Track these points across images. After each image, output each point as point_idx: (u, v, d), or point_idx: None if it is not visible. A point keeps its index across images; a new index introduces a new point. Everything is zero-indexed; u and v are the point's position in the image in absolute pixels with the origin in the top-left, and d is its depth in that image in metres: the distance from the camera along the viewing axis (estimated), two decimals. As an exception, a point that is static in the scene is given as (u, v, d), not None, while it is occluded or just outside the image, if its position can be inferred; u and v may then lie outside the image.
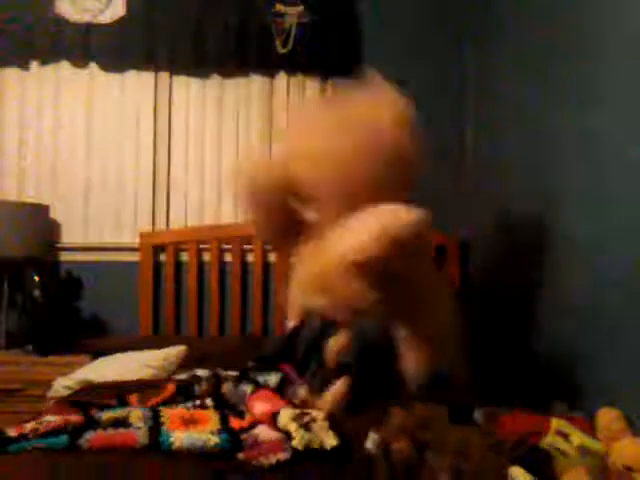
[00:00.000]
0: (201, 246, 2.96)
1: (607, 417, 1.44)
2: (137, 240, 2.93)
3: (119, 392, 1.79)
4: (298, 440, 1.35)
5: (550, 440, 1.27)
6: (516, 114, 2.43)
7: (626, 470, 1.22)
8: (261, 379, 1.80)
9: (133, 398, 1.73)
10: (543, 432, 1.29)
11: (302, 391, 1.71)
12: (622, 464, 1.23)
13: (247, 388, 1.71)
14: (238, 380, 1.79)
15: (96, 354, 2.43)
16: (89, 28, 2.86)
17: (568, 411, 1.67)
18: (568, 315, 1.91)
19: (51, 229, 2.91)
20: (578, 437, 1.26)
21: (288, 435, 1.39)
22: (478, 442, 1.19)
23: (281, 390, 1.76)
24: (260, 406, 1.57)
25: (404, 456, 1.16)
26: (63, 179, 2.97)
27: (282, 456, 1.30)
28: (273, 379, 1.80)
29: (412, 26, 3.09)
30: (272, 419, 1.47)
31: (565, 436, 1.27)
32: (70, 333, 2.61)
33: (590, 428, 1.42)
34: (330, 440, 1.37)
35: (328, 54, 2.97)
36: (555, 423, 1.34)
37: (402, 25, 3.08)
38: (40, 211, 2.79)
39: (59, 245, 2.94)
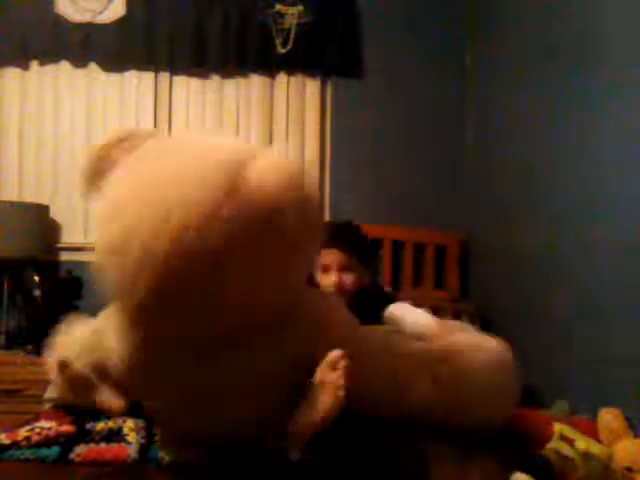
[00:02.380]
0: (201, 246, 2.95)
1: (607, 417, 1.43)
2: (137, 240, 2.93)
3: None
4: None
5: (554, 445, 1.25)
6: (516, 113, 2.43)
7: (626, 471, 1.21)
8: None
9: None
10: (546, 438, 1.28)
11: None
12: (622, 465, 1.23)
13: None
14: None
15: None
16: (89, 28, 2.86)
17: (572, 412, 1.67)
18: (568, 315, 1.91)
19: (51, 229, 2.91)
20: (583, 443, 1.25)
21: None
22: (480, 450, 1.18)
23: None
24: None
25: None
26: (63, 179, 2.97)
27: None
28: None
29: (412, 26, 3.08)
30: None
31: (570, 441, 1.25)
32: (70, 333, 2.61)
33: (594, 430, 1.41)
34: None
35: (328, 54, 2.97)
36: (558, 427, 1.32)
37: (402, 25, 3.07)
38: (40, 211, 2.79)
39: (59, 245, 2.94)
